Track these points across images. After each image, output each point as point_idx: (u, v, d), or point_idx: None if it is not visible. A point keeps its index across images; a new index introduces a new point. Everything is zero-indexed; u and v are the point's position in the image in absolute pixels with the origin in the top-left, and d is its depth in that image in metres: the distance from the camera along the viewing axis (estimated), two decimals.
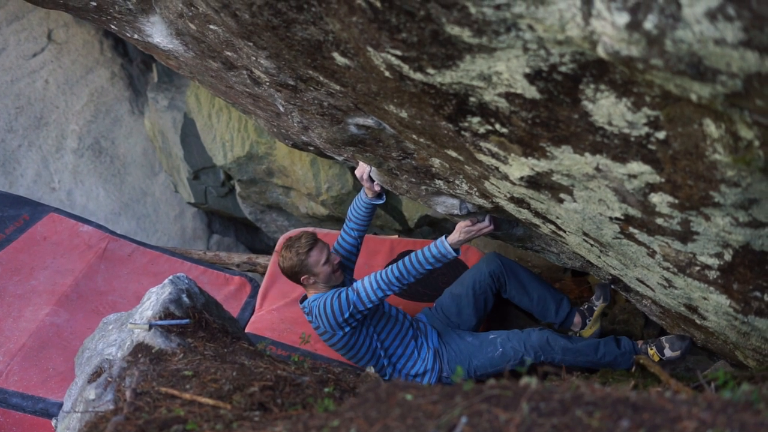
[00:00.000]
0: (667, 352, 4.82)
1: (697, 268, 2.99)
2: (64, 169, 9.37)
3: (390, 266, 4.67)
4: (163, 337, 3.24)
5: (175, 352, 3.16)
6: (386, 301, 5.12)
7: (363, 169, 4.84)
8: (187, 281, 3.70)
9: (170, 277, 3.69)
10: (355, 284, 4.70)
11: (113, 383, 3.00)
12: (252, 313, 5.96)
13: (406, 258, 4.66)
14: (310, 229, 5.04)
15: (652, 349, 4.92)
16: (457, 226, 4.62)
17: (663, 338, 4.87)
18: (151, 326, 3.27)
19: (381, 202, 5.02)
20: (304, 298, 4.97)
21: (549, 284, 5.36)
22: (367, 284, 4.64)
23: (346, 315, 4.65)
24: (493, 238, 5.11)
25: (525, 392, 1.83)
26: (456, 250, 4.64)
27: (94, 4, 4.43)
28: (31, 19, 9.81)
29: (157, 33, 4.36)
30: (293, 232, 4.83)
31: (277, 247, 4.86)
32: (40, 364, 4.88)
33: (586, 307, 5.24)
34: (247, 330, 5.52)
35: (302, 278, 4.76)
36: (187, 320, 3.39)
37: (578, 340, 4.94)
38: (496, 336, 5.03)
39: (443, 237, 4.65)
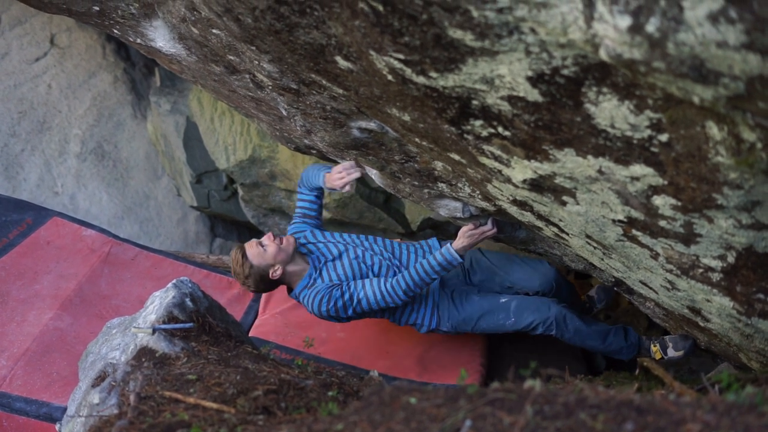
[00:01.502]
0: (670, 352, 4.81)
1: (701, 270, 2.99)
2: (67, 173, 9.38)
3: (396, 277, 4.63)
4: (166, 341, 3.25)
5: (179, 356, 3.16)
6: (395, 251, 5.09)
7: (346, 176, 4.66)
8: (190, 285, 3.71)
9: (174, 281, 3.69)
10: (357, 288, 4.65)
11: (117, 387, 3.00)
12: (255, 317, 5.95)
13: (412, 269, 4.61)
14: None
15: (655, 347, 4.91)
16: (461, 232, 4.61)
17: (667, 337, 4.87)
18: (154, 330, 3.28)
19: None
20: (290, 288, 4.89)
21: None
22: (370, 292, 4.61)
23: (349, 313, 4.68)
24: (496, 241, 5.11)
25: (529, 395, 1.83)
26: (461, 256, 4.63)
27: (97, 8, 4.44)
28: (33, 23, 9.82)
29: (160, 37, 4.36)
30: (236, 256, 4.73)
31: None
32: (44, 368, 4.88)
33: (587, 306, 5.23)
34: (251, 334, 5.52)
35: (271, 276, 4.67)
36: (190, 324, 3.39)
37: (591, 323, 4.90)
38: (509, 300, 4.95)
39: (448, 244, 4.63)
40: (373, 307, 4.64)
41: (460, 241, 4.58)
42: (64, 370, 4.88)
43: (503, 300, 4.95)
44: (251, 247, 4.61)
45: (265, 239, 4.64)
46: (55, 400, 4.65)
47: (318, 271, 4.74)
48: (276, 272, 4.63)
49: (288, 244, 4.67)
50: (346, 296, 4.62)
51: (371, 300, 4.62)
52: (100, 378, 3.19)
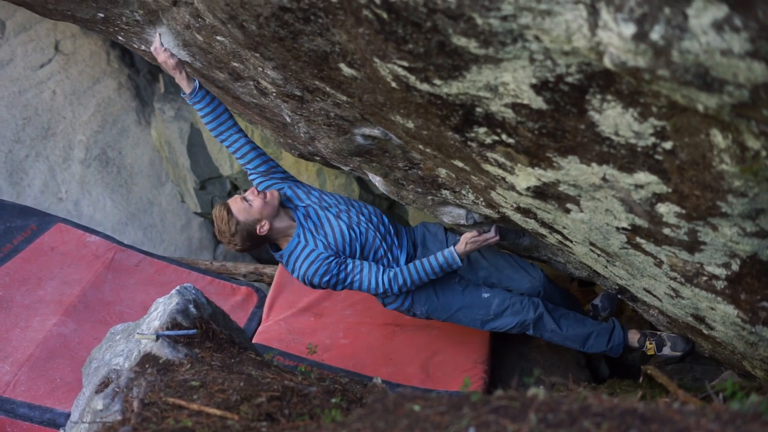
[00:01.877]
0: (666, 350, 4.81)
1: (705, 278, 2.99)
2: (71, 179, 9.39)
3: (395, 271, 4.61)
4: (170, 348, 3.24)
5: (183, 362, 3.16)
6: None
7: (161, 52, 4.33)
8: (194, 292, 3.71)
9: (177, 288, 3.69)
10: (354, 270, 4.57)
11: (121, 393, 3.00)
12: (259, 324, 5.95)
13: (411, 266, 4.60)
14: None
15: (651, 344, 4.90)
16: (463, 237, 4.61)
17: (665, 335, 4.85)
18: (158, 337, 3.27)
19: (196, 84, 4.44)
20: (276, 248, 4.70)
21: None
22: (365, 279, 4.56)
23: (338, 289, 4.64)
24: (500, 248, 5.11)
25: (533, 403, 1.83)
26: (462, 260, 4.63)
27: (102, 15, 4.45)
28: (38, 30, 9.84)
29: (164, 44, 4.37)
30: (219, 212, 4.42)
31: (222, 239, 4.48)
32: (48, 374, 4.88)
33: (591, 314, 5.21)
34: (254, 340, 5.52)
35: (258, 231, 4.44)
36: (194, 331, 3.39)
37: (569, 326, 4.89)
38: (491, 297, 4.91)
39: (452, 247, 4.63)
40: (363, 290, 4.62)
41: (463, 246, 4.58)
42: (67, 376, 4.88)
43: (485, 296, 4.91)
44: (236, 203, 4.38)
45: (249, 194, 4.42)
46: (58, 406, 4.65)
47: (307, 231, 4.55)
48: (263, 228, 4.41)
49: (273, 198, 4.44)
50: (341, 275, 4.54)
51: (364, 286, 4.59)
52: (104, 384, 3.19)
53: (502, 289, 5.01)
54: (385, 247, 4.76)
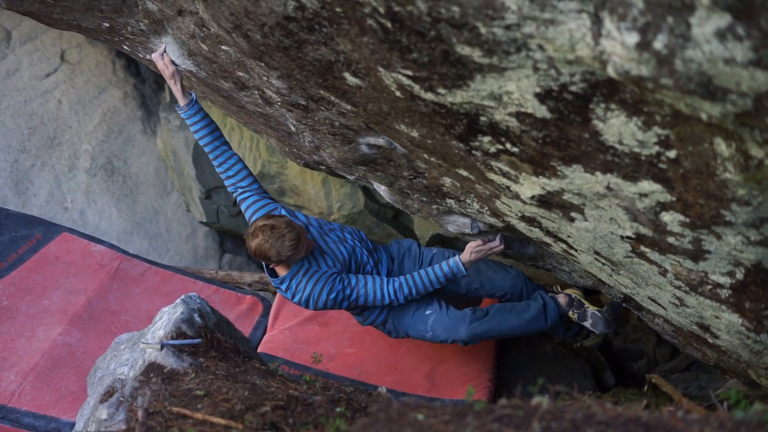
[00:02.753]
0: (587, 324, 4.85)
1: (709, 286, 2.98)
2: (76, 188, 9.40)
3: (399, 281, 4.62)
4: (175, 357, 3.25)
5: (187, 371, 3.16)
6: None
7: (160, 60, 4.37)
8: (198, 301, 3.71)
9: (182, 297, 3.69)
10: (358, 284, 4.59)
11: (125, 403, 3.00)
12: (264, 333, 5.96)
13: (416, 275, 4.62)
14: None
15: (573, 314, 4.91)
16: (468, 246, 4.62)
17: (590, 311, 4.85)
18: (162, 346, 3.28)
19: (193, 97, 4.48)
20: (272, 274, 4.63)
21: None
22: (371, 292, 4.58)
23: (343, 306, 4.63)
24: (505, 256, 5.11)
25: (536, 412, 1.83)
26: (466, 269, 4.64)
27: (107, 25, 4.46)
28: (44, 39, 9.87)
29: (170, 53, 4.38)
30: (273, 218, 4.30)
31: (253, 230, 4.29)
32: (53, 383, 4.89)
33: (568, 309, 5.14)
34: (259, 350, 5.53)
35: (279, 264, 4.46)
36: (198, 340, 3.39)
37: (502, 322, 4.87)
38: (431, 314, 4.90)
39: (457, 257, 4.63)
40: (368, 303, 4.63)
41: (467, 255, 4.59)
42: (72, 386, 4.89)
43: (427, 312, 4.91)
44: (305, 238, 4.38)
45: (309, 243, 4.46)
46: (63, 415, 4.66)
47: (311, 254, 4.57)
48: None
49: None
50: (347, 291, 4.56)
51: (370, 299, 4.60)
52: (109, 393, 3.19)
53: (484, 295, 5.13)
54: (372, 263, 4.82)
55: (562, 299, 4.97)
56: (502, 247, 4.58)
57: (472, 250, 4.59)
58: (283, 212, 4.56)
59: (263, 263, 4.56)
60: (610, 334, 6.47)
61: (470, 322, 4.83)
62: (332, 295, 4.51)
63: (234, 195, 4.67)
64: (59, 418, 4.65)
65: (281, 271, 4.54)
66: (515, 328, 4.84)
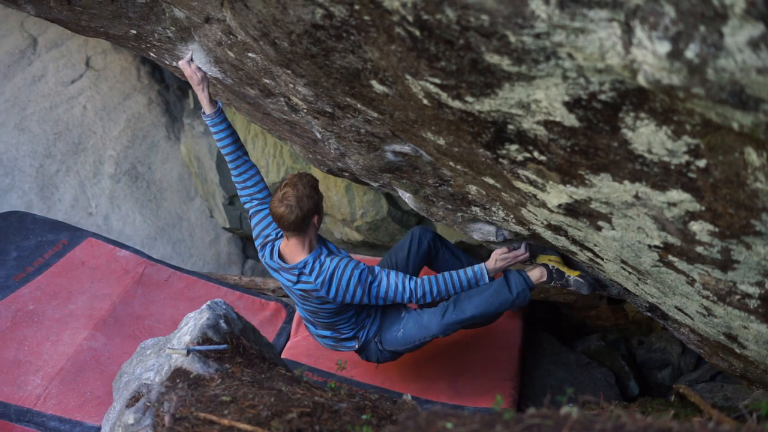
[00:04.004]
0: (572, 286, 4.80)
1: (738, 296, 2.96)
2: (101, 194, 9.45)
3: (423, 278, 4.58)
4: (201, 363, 3.26)
5: (213, 377, 3.17)
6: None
7: (188, 67, 4.36)
8: (224, 307, 3.72)
9: (208, 303, 3.70)
10: (380, 272, 4.52)
11: (152, 408, 3.01)
12: (287, 339, 5.96)
13: (440, 276, 4.58)
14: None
15: (556, 285, 4.83)
16: (494, 254, 4.60)
17: (572, 279, 4.78)
18: (189, 351, 3.29)
19: (219, 105, 4.50)
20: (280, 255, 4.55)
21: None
22: (392, 281, 4.50)
23: (365, 301, 4.53)
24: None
25: (566, 422, 1.83)
26: (490, 277, 4.63)
27: (134, 32, 4.49)
28: (69, 46, 9.93)
29: (196, 60, 4.40)
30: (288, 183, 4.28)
31: (276, 197, 4.26)
32: (78, 388, 4.91)
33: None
34: (283, 356, 5.53)
35: (314, 219, 4.37)
36: (224, 346, 3.40)
37: (469, 308, 4.78)
38: (405, 315, 4.87)
39: (483, 264, 4.62)
40: (389, 296, 4.53)
41: (493, 262, 4.58)
42: (97, 390, 4.91)
43: (403, 314, 4.89)
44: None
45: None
46: (88, 419, 4.68)
47: (326, 248, 4.56)
48: (317, 221, 4.41)
49: None
50: (371, 277, 4.47)
51: (391, 290, 4.51)
52: (135, 398, 3.20)
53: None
54: None
55: (538, 272, 4.83)
56: (527, 255, 4.57)
57: (497, 257, 4.58)
58: None
59: (275, 265, 4.53)
60: (634, 342, 6.44)
61: (441, 316, 4.78)
62: (357, 271, 4.42)
63: (247, 206, 4.67)
64: (84, 422, 4.67)
65: (298, 254, 4.46)
66: (480, 305, 4.72)
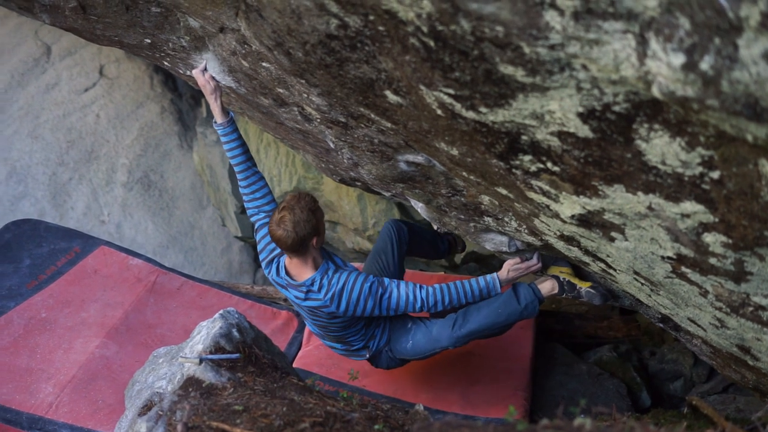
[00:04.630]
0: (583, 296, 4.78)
1: (751, 308, 2.96)
2: (113, 202, 9.48)
3: (433, 287, 4.57)
4: (213, 372, 3.26)
5: (226, 386, 3.18)
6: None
7: (201, 76, 4.42)
8: (237, 316, 3.73)
9: (220, 312, 3.71)
10: (390, 284, 4.49)
11: (164, 417, 3.02)
12: (299, 348, 5.97)
13: (451, 285, 4.56)
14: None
15: (568, 297, 4.82)
16: (506, 264, 4.60)
17: (584, 290, 4.76)
18: (201, 360, 3.29)
19: (231, 115, 4.54)
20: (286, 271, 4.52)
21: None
22: (403, 292, 4.47)
23: (375, 313, 4.50)
24: (541, 274, 5.10)
25: None
26: (502, 287, 4.61)
27: (149, 41, 4.50)
28: (83, 54, 9.98)
29: (210, 70, 4.42)
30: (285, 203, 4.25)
31: (274, 219, 4.22)
32: (90, 396, 4.91)
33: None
34: (294, 365, 5.53)
35: (313, 241, 4.31)
36: (237, 355, 3.41)
37: (479, 319, 4.76)
38: (412, 326, 4.85)
39: (495, 274, 4.60)
40: (400, 306, 4.50)
41: (505, 273, 4.58)
42: (109, 398, 4.91)
43: (409, 324, 4.87)
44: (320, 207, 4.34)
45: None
46: (100, 427, 4.68)
47: (332, 262, 4.54)
48: (317, 242, 4.34)
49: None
50: (381, 289, 4.44)
51: (402, 300, 4.48)
52: (147, 407, 3.21)
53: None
54: None
55: (549, 284, 4.82)
56: (539, 265, 4.57)
57: (510, 268, 4.58)
58: None
59: (282, 282, 4.50)
60: (646, 353, 6.43)
61: (451, 328, 4.76)
62: (366, 285, 4.39)
63: (254, 218, 4.65)
64: (96, 430, 4.67)
65: (305, 272, 4.43)
66: (488, 316, 4.72)
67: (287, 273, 4.47)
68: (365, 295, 4.41)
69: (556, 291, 4.80)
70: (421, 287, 4.52)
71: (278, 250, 4.52)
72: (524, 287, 4.79)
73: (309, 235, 4.24)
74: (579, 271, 4.83)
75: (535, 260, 4.56)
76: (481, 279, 4.60)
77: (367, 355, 4.92)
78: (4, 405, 4.72)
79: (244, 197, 4.63)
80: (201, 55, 4.42)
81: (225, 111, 4.49)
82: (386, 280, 4.49)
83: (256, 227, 4.66)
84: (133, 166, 9.59)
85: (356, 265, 5.84)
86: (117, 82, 9.90)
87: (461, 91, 2.53)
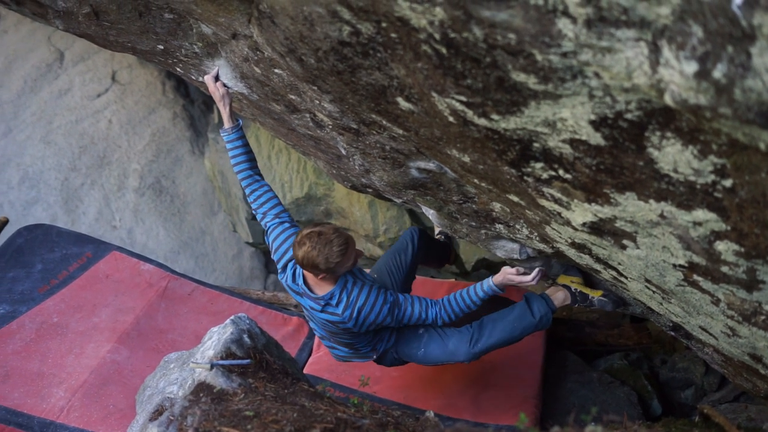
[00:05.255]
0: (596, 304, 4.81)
1: (763, 317, 2.95)
2: (125, 207, 9.50)
3: (440, 304, 4.56)
4: (224, 377, 3.27)
5: (236, 392, 3.18)
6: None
7: (211, 82, 4.48)
8: (248, 322, 3.73)
9: (232, 318, 3.71)
10: (405, 300, 4.52)
11: (175, 422, 3.02)
12: (309, 355, 5.97)
13: (458, 297, 4.54)
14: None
15: (579, 306, 4.82)
16: (504, 270, 4.53)
17: (596, 300, 4.76)
18: (212, 366, 3.30)
19: (239, 122, 4.57)
20: (305, 280, 4.46)
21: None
22: (416, 309, 4.51)
23: (392, 325, 4.55)
24: (546, 280, 5.09)
25: None
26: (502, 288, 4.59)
27: (162, 47, 4.52)
28: (96, 60, 10.01)
29: (222, 76, 4.43)
30: (319, 225, 4.19)
31: (300, 238, 4.14)
32: (101, 400, 4.93)
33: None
34: (305, 371, 5.54)
35: (328, 275, 4.29)
36: (248, 361, 3.41)
37: (495, 332, 4.78)
38: (424, 333, 4.82)
39: (490, 281, 4.55)
40: (413, 320, 4.55)
41: (501, 279, 4.52)
42: (120, 403, 4.92)
43: (420, 331, 4.84)
44: (354, 247, 4.28)
45: (358, 252, 4.35)
46: None
47: (350, 274, 4.49)
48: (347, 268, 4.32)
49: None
50: (396, 308, 4.48)
51: (414, 317, 4.53)
52: (158, 412, 3.22)
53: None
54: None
55: (562, 295, 4.86)
56: (533, 284, 4.51)
57: (505, 276, 4.52)
58: None
59: (298, 289, 4.47)
60: (657, 361, 6.41)
61: (468, 344, 4.76)
62: (386, 307, 4.42)
63: (263, 222, 4.60)
64: None
65: (324, 287, 4.40)
66: (504, 330, 4.73)
67: (305, 283, 4.45)
68: (384, 315, 4.45)
69: (568, 302, 4.82)
70: (433, 304, 4.54)
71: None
72: (538, 300, 4.79)
73: (342, 272, 4.30)
74: (589, 279, 4.82)
75: (530, 278, 4.48)
76: (478, 288, 4.56)
77: (374, 357, 4.92)
78: (16, 409, 4.73)
79: (252, 204, 4.61)
80: (213, 62, 4.43)
81: (234, 118, 4.51)
82: (401, 298, 4.52)
83: (267, 229, 4.61)
84: (144, 172, 9.61)
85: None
86: (129, 88, 9.93)
87: (473, 99, 2.53)
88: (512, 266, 4.54)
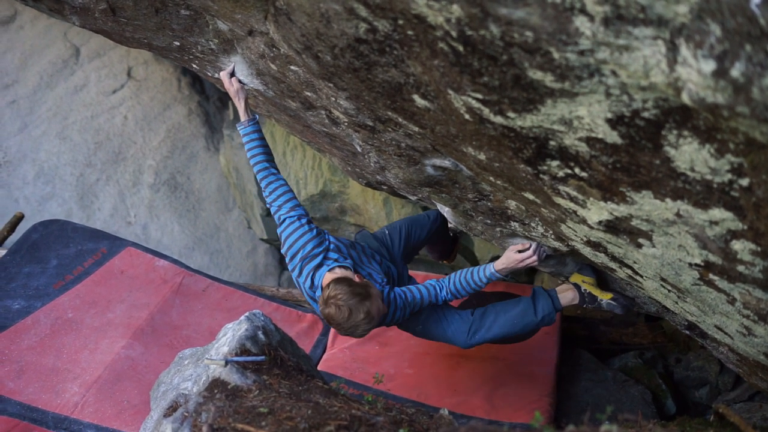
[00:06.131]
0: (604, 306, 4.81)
1: None
2: (140, 203, 9.53)
3: (449, 286, 4.58)
4: (238, 374, 3.27)
5: (251, 388, 3.18)
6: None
7: (227, 78, 4.52)
8: (263, 318, 3.73)
9: (246, 314, 3.71)
10: (414, 302, 4.56)
11: (189, 418, 3.03)
12: (324, 351, 5.97)
13: (462, 280, 4.58)
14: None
15: (587, 307, 4.81)
16: (507, 255, 4.50)
17: (604, 302, 4.75)
18: (227, 362, 3.30)
19: (256, 117, 4.58)
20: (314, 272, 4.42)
21: None
22: (418, 296, 4.56)
23: (405, 313, 4.60)
24: (543, 270, 5.06)
25: None
26: (506, 275, 4.59)
27: (178, 44, 4.52)
28: (111, 56, 10.03)
29: (238, 72, 4.44)
30: (342, 285, 4.08)
31: (326, 297, 4.09)
32: (115, 396, 4.94)
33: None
34: (319, 368, 5.54)
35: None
36: (262, 357, 3.41)
37: (497, 324, 4.78)
38: (424, 311, 4.78)
39: (491, 266, 4.55)
40: (416, 308, 4.61)
41: (504, 263, 4.49)
42: (134, 399, 4.94)
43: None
44: (376, 298, 4.18)
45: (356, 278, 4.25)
46: (125, 428, 4.71)
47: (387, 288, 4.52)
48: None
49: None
50: (407, 309, 4.55)
51: (424, 304, 4.62)
52: (172, 408, 3.22)
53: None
54: (395, 270, 4.93)
55: (570, 294, 4.85)
56: (534, 260, 4.46)
57: (509, 258, 4.49)
58: (330, 245, 4.44)
59: (317, 297, 4.40)
60: (671, 360, 6.39)
61: (466, 334, 4.77)
62: (399, 313, 4.49)
63: (277, 214, 4.51)
64: (121, 430, 4.70)
65: None
66: (504, 325, 4.72)
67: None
68: (399, 316, 4.53)
69: (576, 302, 4.81)
70: (440, 289, 4.62)
71: (312, 262, 4.38)
72: (544, 298, 4.78)
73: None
74: (602, 280, 4.81)
75: (531, 253, 4.45)
76: (481, 272, 4.56)
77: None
78: (31, 404, 4.75)
79: (267, 198, 4.53)
80: (229, 58, 4.44)
81: (250, 112, 4.53)
82: (409, 295, 4.56)
83: (279, 220, 4.50)
84: (159, 168, 9.64)
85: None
86: (145, 84, 9.95)
87: (489, 96, 2.53)
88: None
